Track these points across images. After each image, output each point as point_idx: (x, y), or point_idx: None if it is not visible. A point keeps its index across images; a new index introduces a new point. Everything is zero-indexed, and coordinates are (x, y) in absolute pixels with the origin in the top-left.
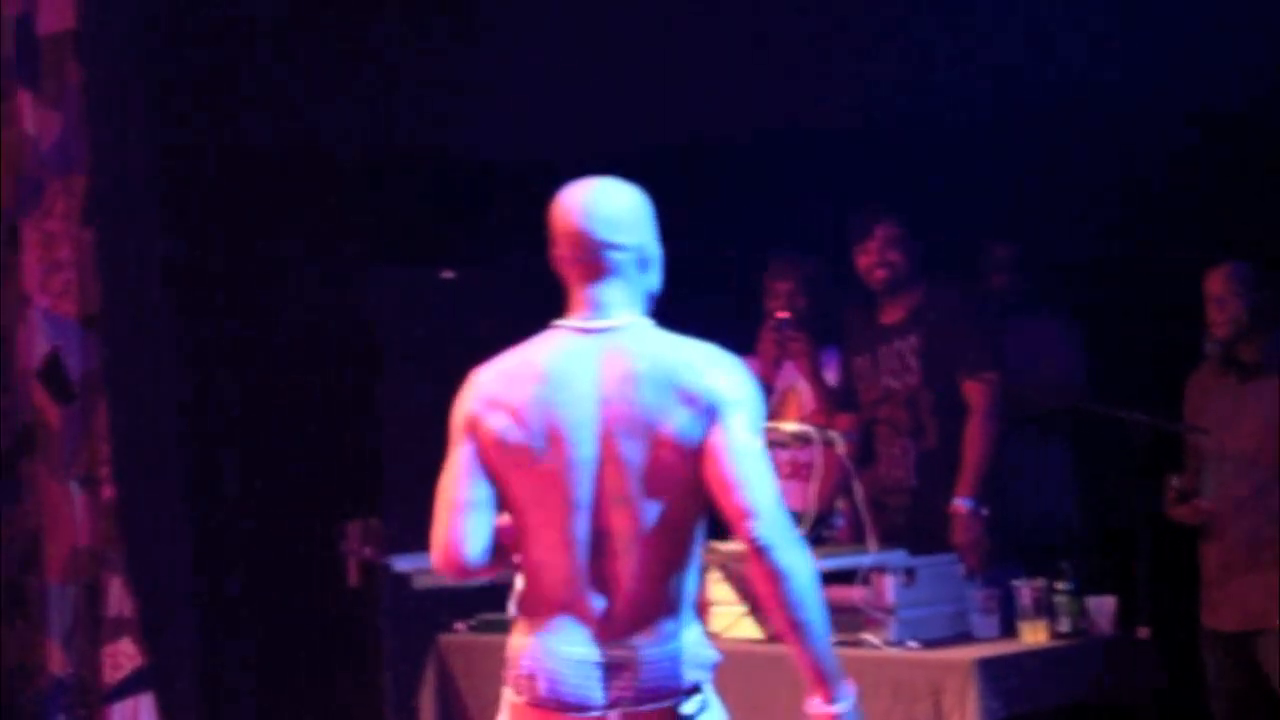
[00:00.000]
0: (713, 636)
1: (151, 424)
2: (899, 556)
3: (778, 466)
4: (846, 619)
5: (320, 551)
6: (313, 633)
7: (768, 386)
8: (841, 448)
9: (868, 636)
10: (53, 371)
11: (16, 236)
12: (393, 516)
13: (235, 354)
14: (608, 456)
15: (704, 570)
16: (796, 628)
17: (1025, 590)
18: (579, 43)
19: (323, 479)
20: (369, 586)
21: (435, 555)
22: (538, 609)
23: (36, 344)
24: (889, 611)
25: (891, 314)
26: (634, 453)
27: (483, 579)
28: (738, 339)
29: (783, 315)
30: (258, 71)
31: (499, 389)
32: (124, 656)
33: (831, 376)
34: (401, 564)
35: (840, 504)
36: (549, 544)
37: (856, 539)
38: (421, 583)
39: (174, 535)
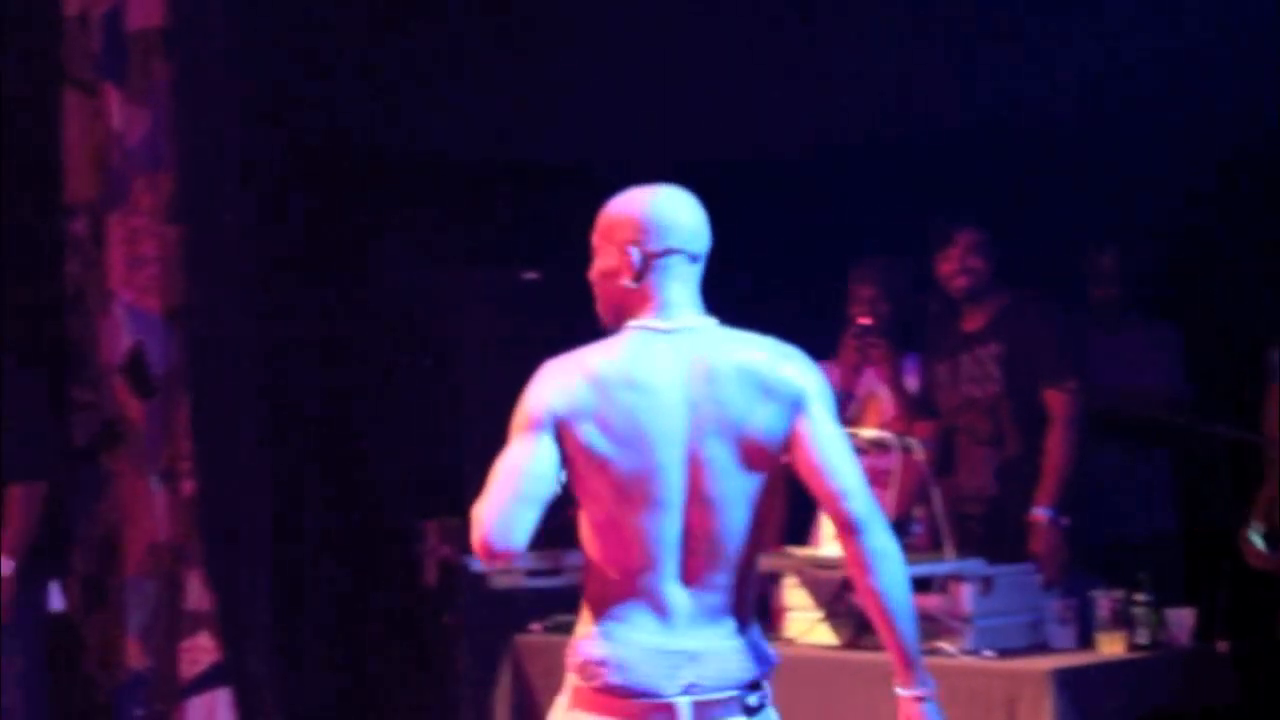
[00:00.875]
0: (788, 643)
1: (233, 420)
2: (976, 565)
3: None
4: (922, 627)
5: (398, 550)
6: (390, 631)
7: (848, 393)
8: (920, 455)
9: (943, 645)
10: (135, 366)
11: (102, 232)
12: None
13: (318, 352)
14: (695, 458)
15: (780, 576)
16: (890, 609)
17: (1103, 601)
18: (667, 51)
19: (402, 478)
20: (446, 586)
21: (484, 536)
22: (607, 600)
23: (120, 339)
24: (965, 620)
25: (973, 321)
26: (720, 452)
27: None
28: (820, 344)
29: (864, 321)
30: (349, 70)
31: (587, 394)
32: (202, 651)
33: (912, 383)
34: (479, 564)
35: (918, 511)
36: (626, 540)
37: (934, 546)
38: (499, 583)
39: (253, 531)
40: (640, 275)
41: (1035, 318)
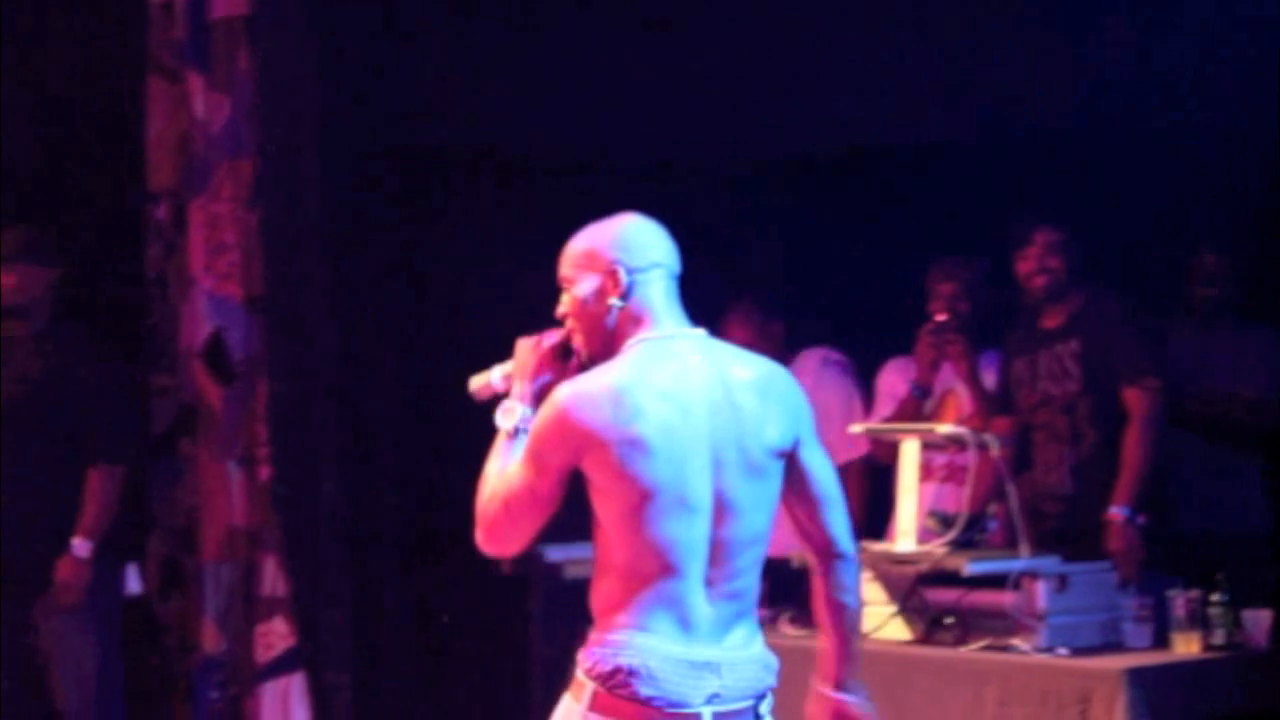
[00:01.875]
0: (862, 637)
1: (310, 407)
2: (1052, 562)
3: (933, 469)
4: (996, 624)
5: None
6: (465, 619)
7: (924, 389)
8: (997, 451)
9: (1017, 642)
10: (215, 352)
11: (184, 218)
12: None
13: (394, 340)
14: (718, 463)
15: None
16: (851, 623)
17: (1180, 600)
18: (743, 47)
19: (478, 466)
20: (521, 575)
21: (486, 544)
22: (630, 607)
23: (200, 325)
24: (1040, 617)
25: (1052, 318)
26: (739, 458)
27: None
28: (899, 341)
29: (941, 318)
30: (429, 58)
31: (614, 413)
32: (276, 636)
33: (991, 380)
34: (554, 554)
35: (994, 508)
36: (653, 547)
37: (1009, 543)
38: (573, 573)
39: (329, 517)
40: (628, 293)
41: (1115, 315)
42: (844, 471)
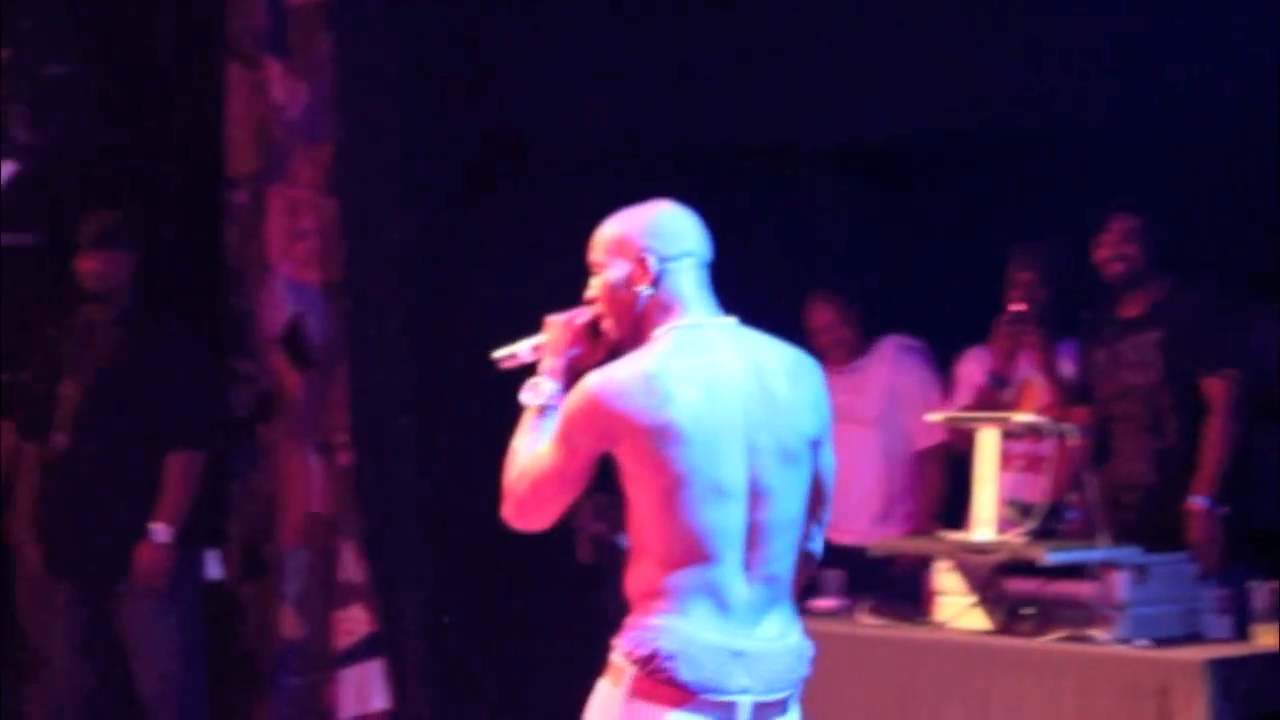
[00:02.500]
0: (938, 627)
1: (388, 393)
2: (1132, 553)
3: (1011, 458)
4: (1075, 614)
5: (551, 526)
6: (541, 607)
7: (1002, 379)
8: (1076, 441)
9: (1096, 633)
10: (294, 339)
11: (263, 204)
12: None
13: (473, 326)
14: (753, 448)
15: (932, 560)
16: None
17: (1261, 591)
18: (826, 32)
19: None
20: (599, 562)
21: (523, 512)
22: (668, 592)
23: (279, 311)
24: (1119, 608)
25: (1132, 307)
26: (774, 443)
27: None
28: (980, 330)
29: (1017, 307)
30: (510, 47)
31: (649, 399)
32: (355, 622)
33: (1070, 369)
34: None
35: (1073, 498)
36: (691, 533)
37: (1088, 534)
38: None
39: (406, 504)
40: (658, 280)
41: (1196, 304)
42: (922, 458)
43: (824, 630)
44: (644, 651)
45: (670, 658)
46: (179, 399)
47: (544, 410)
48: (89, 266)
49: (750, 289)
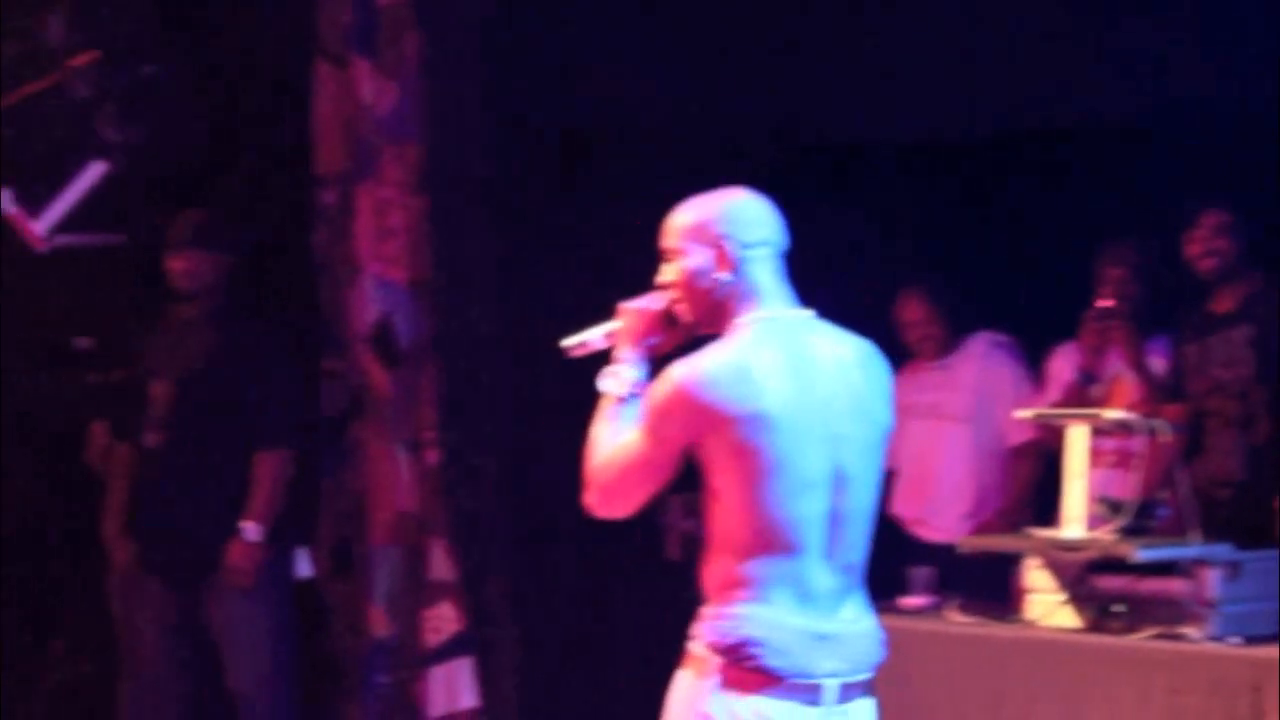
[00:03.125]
0: (1028, 625)
1: (476, 391)
2: (1224, 550)
3: (1101, 455)
4: (1166, 611)
5: (641, 523)
6: (631, 604)
7: (1090, 375)
8: (1167, 437)
9: (1187, 630)
10: (382, 337)
11: (351, 203)
12: None
13: (559, 322)
14: (837, 437)
15: (1022, 558)
16: None
17: None
18: (916, 29)
19: None
20: (689, 560)
21: (608, 500)
22: (751, 581)
23: (367, 309)
24: (1210, 605)
25: (1223, 303)
26: (855, 432)
27: None
28: (1071, 326)
29: (1104, 304)
30: (598, 46)
31: (740, 389)
32: (444, 620)
33: (1161, 365)
34: None
35: (1164, 494)
36: (775, 521)
37: (1180, 530)
38: None
39: (495, 502)
40: (737, 268)
41: None
42: (1014, 455)
43: (913, 628)
44: (730, 640)
45: (758, 645)
46: (269, 398)
47: (624, 398)
48: (180, 266)
49: (840, 285)
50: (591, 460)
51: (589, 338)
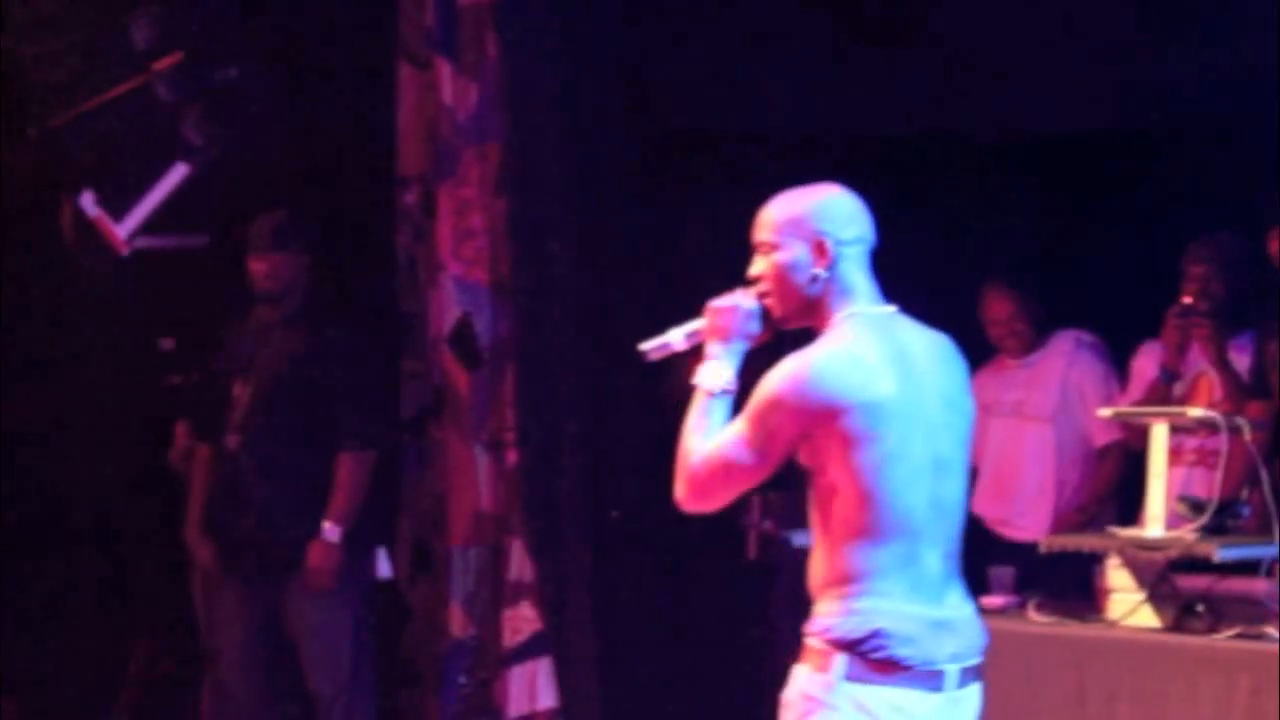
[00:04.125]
0: (1110, 625)
1: (556, 391)
2: None
3: (1183, 454)
4: (1248, 611)
5: (720, 523)
6: (710, 603)
7: (1173, 373)
8: (1250, 436)
9: (1270, 630)
10: (462, 337)
11: (433, 204)
12: (795, 491)
13: (640, 324)
14: (940, 427)
15: (1103, 557)
16: None
17: None
18: (1001, 26)
19: None
20: (768, 560)
21: (704, 496)
22: (867, 573)
23: (448, 310)
24: None
25: None
26: (953, 424)
27: None
28: (1156, 324)
29: (1187, 300)
30: (673, 43)
31: (852, 380)
32: (523, 620)
33: (1246, 363)
34: (801, 539)
35: (1247, 494)
36: (888, 510)
37: (1262, 530)
38: None
39: (574, 502)
40: (834, 264)
41: None
42: (1104, 454)
43: (994, 628)
44: (858, 634)
45: (887, 636)
46: (350, 399)
47: (718, 394)
48: (260, 268)
49: (924, 281)
50: (686, 456)
51: (670, 339)
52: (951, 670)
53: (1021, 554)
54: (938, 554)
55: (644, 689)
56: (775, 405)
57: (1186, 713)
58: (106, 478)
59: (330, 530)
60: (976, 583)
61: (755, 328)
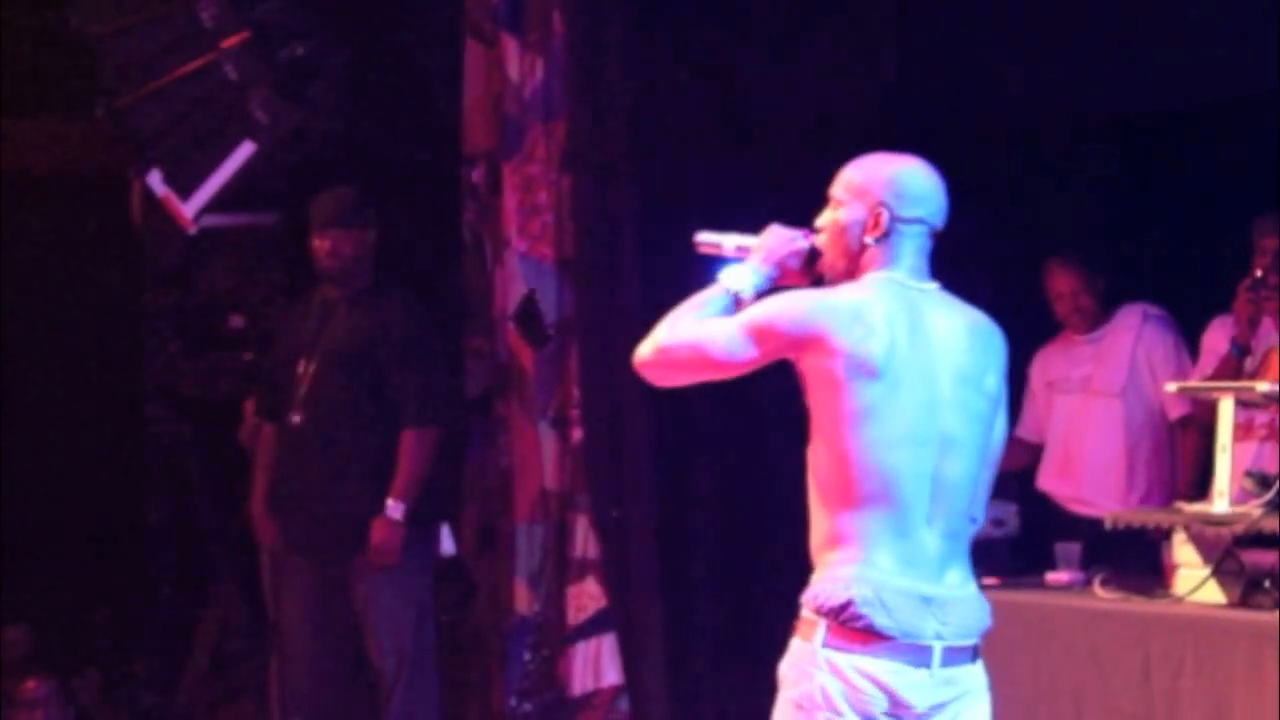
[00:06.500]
0: (1176, 600)
1: (621, 368)
2: None
3: (1253, 428)
4: None
5: (790, 499)
6: (776, 580)
7: (1244, 347)
8: None
9: None
10: (528, 315)
11: (498, 181)
12: None
13: None
14: (946, 400)
15: (1169, 532)
16: None
17: None
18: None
19: (790, 431)
20: None
21: (664, 367)
22: (856, 541)
23: (513, 287)
24: None
25: None
26: (965, 398)
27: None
28: (1227, 298)
29: (1258, 274)
30: (739, 20)
31: (852, 323)
32: (588, 597)
33: None
34: None
35: None
36: (876, 475)
37: None
38: None
39: (640, 479)
40: (885, 236)
41: None
42: (1176, 427)
43: (1060, 604)
44: (836, 601)
45: (866, 604)
46: (414, 376)
47: (729, 293)
48: (323, 245)
49: (994, 255)
50: (666, 324)
51: (723, 241)
52: (937, 646)
53: (1087, 529)
54: (937, 532)
55: (711, 666)
56: (774, 317)
57: (1252, 688)
58: (176, 456)
59: (393, 508)
60: (1044, 559)
61: (796, 265)
